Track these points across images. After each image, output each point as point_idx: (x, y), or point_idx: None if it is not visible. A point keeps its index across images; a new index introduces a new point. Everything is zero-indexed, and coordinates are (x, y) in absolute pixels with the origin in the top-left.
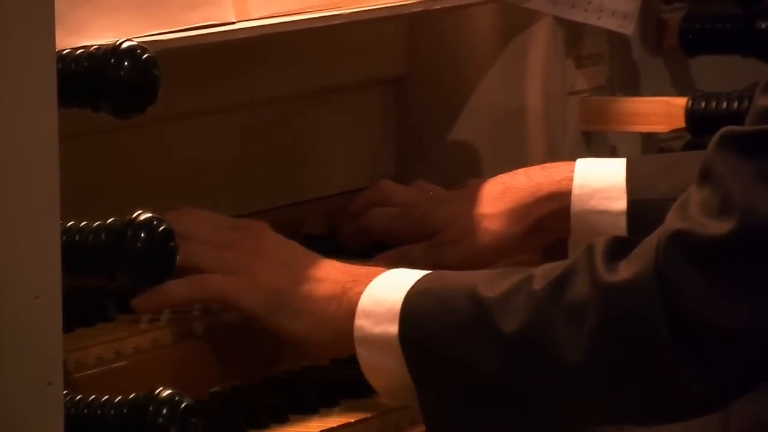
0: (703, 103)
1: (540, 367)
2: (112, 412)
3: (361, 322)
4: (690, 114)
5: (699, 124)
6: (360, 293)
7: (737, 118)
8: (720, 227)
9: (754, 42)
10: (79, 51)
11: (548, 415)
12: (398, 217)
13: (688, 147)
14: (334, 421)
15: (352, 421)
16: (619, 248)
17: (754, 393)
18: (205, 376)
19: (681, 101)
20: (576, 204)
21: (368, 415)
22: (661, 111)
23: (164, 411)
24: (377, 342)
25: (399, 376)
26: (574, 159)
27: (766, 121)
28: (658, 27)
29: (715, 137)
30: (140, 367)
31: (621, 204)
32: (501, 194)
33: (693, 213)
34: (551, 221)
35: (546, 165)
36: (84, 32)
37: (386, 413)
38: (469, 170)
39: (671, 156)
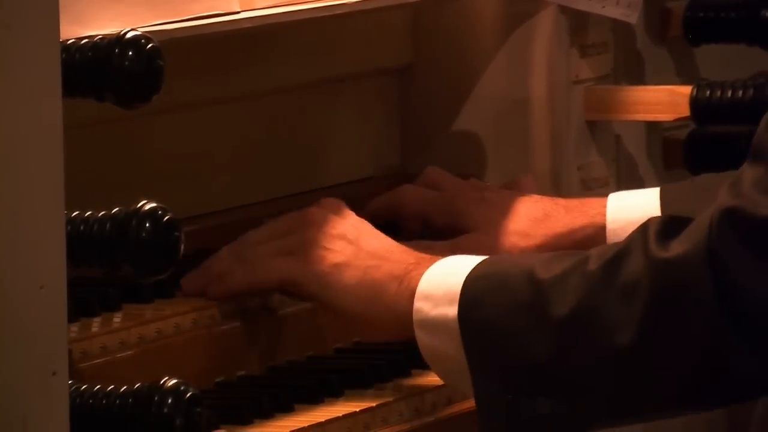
0: (708, 92)
1: (590, 350)
2: (116, 401)
3: (420, 305)
4: (694, 103)
5: (703, 112)
6: (420, 275)
7: (742, 106)
8: None
9: (759, 31)
10: (83, 41)
11: (597, 400)
12: (433, 201)
13: (692, 136)
14: (339, 410)
15: (357, 410)
16: (673, 226)
17: None
18: (210, 365)
19: (686, 90)
20: (611, 239)
21: (372, 404)
22: (666, 100)
23: (169, 401)
24: (436, 324)
25: (456, 358)
26: (578, 148)
27: None
28: (662, 16)
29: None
30: (145, 357)
31: None
32: (541, 219)
33: (746, 191)
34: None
35: (584, 200)
36: (88, 22)
37: (390, 403)
38: (473, 160)
39: (702, 180)
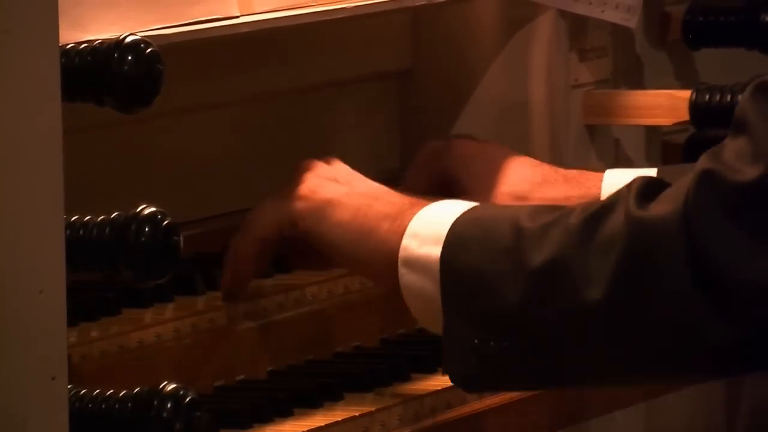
0: (707, 96)
1: (560, 302)
2: (116, 406)
3: (407, 242)
4: (694, 107)
5: (703, 116)
6: (413, 215)
7: None
8: (750, 172)
9: (758, 35)
10: (82, 45)
11: (561, 354)
12: (432, 157)
13: (691, 140)
14: (338, 414)
15: (356, 414)
16: (655, 188)
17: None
18: (210, 370)
19: (685, 94)
20: None
21: (372, 408)
22: (665, 104)
23: (168, 405)
24: (419, 262)
25: (434, 299)
26: (577, 152)
27: None
28: (661, 20)
29: (750, 87)
30: (144, 361)
31: None
32: (539, 183)
33: (726, 158)
34: None
35: (582, 172)
36: (87, 27)
37: (389, 407)
38: None
39: None
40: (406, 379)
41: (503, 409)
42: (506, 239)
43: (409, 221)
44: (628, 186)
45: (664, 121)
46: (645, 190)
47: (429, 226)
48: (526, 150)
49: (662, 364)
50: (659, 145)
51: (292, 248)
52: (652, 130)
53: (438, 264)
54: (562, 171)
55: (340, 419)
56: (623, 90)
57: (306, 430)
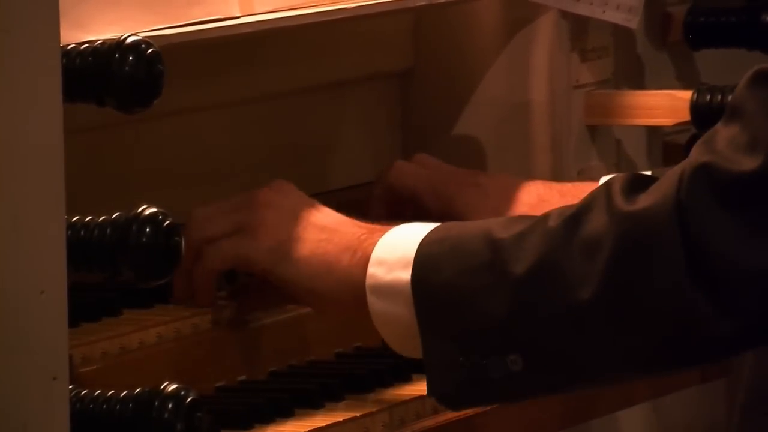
0: (708, 97)
1: (548, 307)
2: (117, 406)
3: (373, 270)
4: (695, 107)
5: (704, 117)
6: (374, 244)
7: None
8: (748, 163)
9: (759, 35)
10: (83, 46)
11: (557, 358)
12: (424, 180)
13: (693, 140)
14: (340, 415)
15: (358, 415)
16: (638, 183)
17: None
18: (211, 370)
19: (686, 94)
20: None
21: (373, 409)
22: (666, 104)
23: (170, 406)
24: (389, 289)
25: (409, 324)
26: (578, 152)
27: None
28: (663, 20)
29: (748, 75)
30: (146, 361)
31: None
32: (535, 204)
33: (721, 148)
34: None
35: (576, 184)
36: (88, 27)
37: (392, 407)
38: (474, 164)
39: None
40: (407, 379)
41: (505, 409)
42: (481, 254)
43: (371, 250)
44: (606, 184)
45: (665, 121)
46: (631, 185)
47: (395, 251)
48: (527, 150)
49: (660, 356)
50: (660, 146)
51: (248, 286)
52: (653, 131)
53: (409, 287)
54: (556, 187)
55: (341, 420)
56: (624, 90)
57: (307, 430)
